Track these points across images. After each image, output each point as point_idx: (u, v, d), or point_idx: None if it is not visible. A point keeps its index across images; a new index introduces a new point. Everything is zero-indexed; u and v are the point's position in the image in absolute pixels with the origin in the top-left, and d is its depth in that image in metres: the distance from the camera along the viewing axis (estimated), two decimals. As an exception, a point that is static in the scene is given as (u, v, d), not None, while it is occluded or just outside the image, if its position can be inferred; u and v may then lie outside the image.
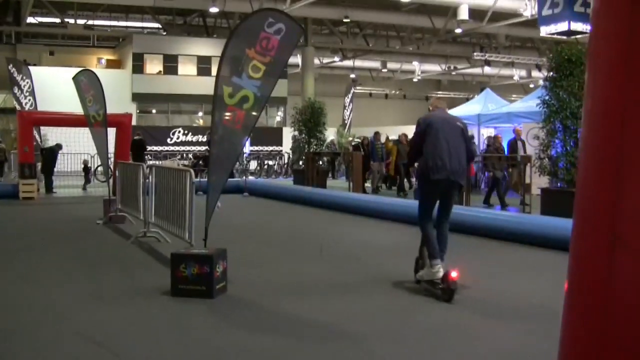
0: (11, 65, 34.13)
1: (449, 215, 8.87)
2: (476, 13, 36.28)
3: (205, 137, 36.33)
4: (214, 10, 38.51)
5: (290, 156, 33.78)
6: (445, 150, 8.47)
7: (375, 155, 24.86)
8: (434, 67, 58.42)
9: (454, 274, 8.04)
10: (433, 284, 8.45)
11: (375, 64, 56.78)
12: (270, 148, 37.75)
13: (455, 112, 29.72)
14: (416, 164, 9.06)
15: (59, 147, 25.20)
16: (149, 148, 34.73)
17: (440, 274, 8.27)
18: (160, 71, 45.88)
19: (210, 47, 45.81)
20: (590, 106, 2.15)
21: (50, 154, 24.81)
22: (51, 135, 29.62)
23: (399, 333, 6.79)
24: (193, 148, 38.66)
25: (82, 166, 28.25)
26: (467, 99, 49.05)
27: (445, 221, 8.86)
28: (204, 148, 33.51)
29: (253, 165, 36.23)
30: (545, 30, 23.30)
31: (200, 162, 29.05)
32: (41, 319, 7.32)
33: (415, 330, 6.92)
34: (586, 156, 2.16)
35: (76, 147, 26.95)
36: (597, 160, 2.09)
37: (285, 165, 35.92)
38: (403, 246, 12.57)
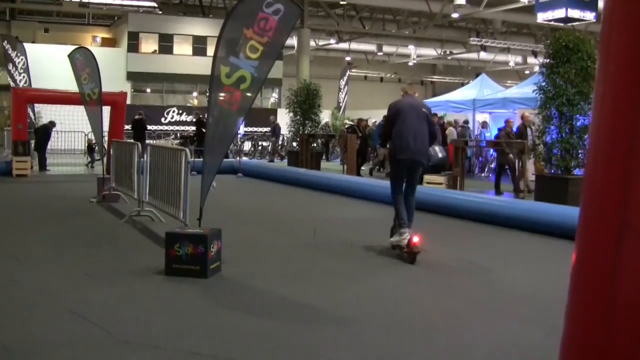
0: (5, 42, 34.02)
1: (414, 189, 10.20)
2: (473, -2, 36.26)
3: (192, 117, 36.27)
4: (210, -11, 38.41)
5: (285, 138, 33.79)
6: (411, 134, 9.79)
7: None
8: (429, 52, 58.31)
9: (415, 239, 9.31)
10: (401, 249, 9.65)
11: (371, 47, 56.69)
12: (265, 129, 37.63)
13: (450, 96, 29.84)
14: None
15: (52, 124, 25.13)
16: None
17: (406, 239, 9.44)
18: (155, 50, 45.77)
19: (206, 27, 45.69)
20: (601, 92, 2.12)
21: (44, 132, 24.75)
22: (45, 113, 29.55)
23: (391, 318, 6.78)
24: (187, 128, 38.53)
25: (86, 145, 28.26)
26: (462, 84, 49.04)
27: (411, 194, 10.12)
28: (192, 128, 33.43)
29: (247, 146, 36.19)
30: (542, 17, 23.31)
31: (188, 142, 29.05)
32: (34, 296, 7.30)
33: (406, 316, 6.90)
34: (596, 143, 2.14)
35: (71, 125, 26.91)
36: (608, 146, 2.07)
37: (280, 147, 35.86)
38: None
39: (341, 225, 13.22)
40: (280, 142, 35.86)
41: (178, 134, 36.40)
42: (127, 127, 27.99)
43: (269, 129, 34.21)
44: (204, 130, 29.58)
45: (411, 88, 11.10)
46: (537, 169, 17.95)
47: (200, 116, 30.76)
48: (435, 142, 10.45)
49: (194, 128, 32.20)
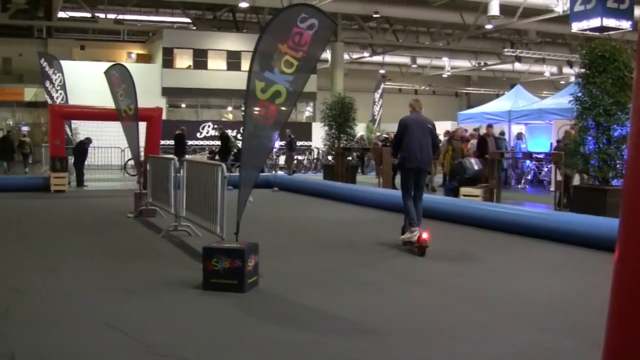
0: (43, 59, 34.34)
1: (421, 193, 11.84)
2: (507, 9, 36.06)
3: (216, 132, 36.44)
4: (243, 5, 38.54)
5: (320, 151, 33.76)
6: (417, 146, 11.41)
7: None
8: (463, 63, 58.18)
9: (424, 236, 10.89)
10: (412, 244, 11.17)
11: (404, 59, 56.66)
12: (300, 143, 37.66)
13: (485, 108, 29.68)
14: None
15: (88, 140, 25.37)
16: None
17: (416, 236, 11.01)
18: (189, 66, 46.02)
19: (239, 42, 45.89)
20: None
21: (81, 148, 24.99)
22: (82, 129, 29.82)
23: (422, 329, 6.81)
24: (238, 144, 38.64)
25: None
26: (497, 95, 48.77)
27: (419, 198, 11.68)
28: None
29: (282, 160, 36.26)
30: (577, 27, 23.13)
31: (216, 157, 29.22)
32: (71, 309, 7.38)
33: (437, 326, 6.92)
34: (635, 153, 2.13)
35: (107, 141, 27.15)
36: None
37: (315, 160, 35.90)
38: (435, 244, 12.55)
39: (378, 238, 13.19)
40: (315, 156, 35.93)
41: (216, 148, 36.54)
42: (166, 142, 28.28)
43: (285, 142, 34.13)
44: (229, 145, 30.01)
45: (417, 104, 12.27)
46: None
47: (224, 131, 30.96)
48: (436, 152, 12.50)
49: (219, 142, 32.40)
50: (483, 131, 25.18)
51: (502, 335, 6.63)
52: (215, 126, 38.41)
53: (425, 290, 8.53)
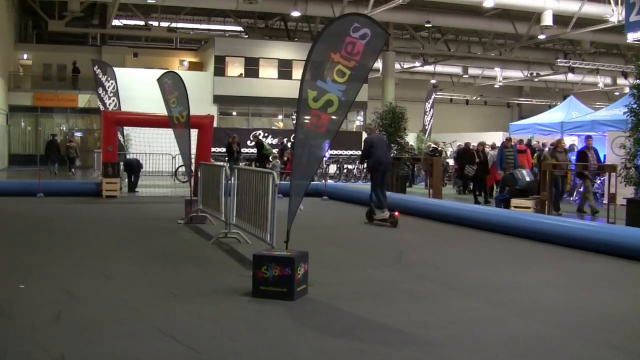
0: (96, 67, 34.80)
1: (385, 184, 17.27)
2: (560, 19, 35.78)
3: (252, 139, 36.67)
4: (295, 14, 38.73)
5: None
6: (382, 155, 16.73)
7: (504, 163, 22.39)
8: (515, 74, 57.81)
9: (396, 213, 16.36)
10: (385, 220, 16.37)
11: (456, 69, 56.49)
12: (350, 152, 37.66)
13: (537, 119, 29.42)
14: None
15: (139, 165, 25.60)
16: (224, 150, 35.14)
17: (387, 215, 16.40)
18: (241, 74, 46.25)
19: (291, 51, 46.05)
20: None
21: (136, 164, 25.33)
22: (134, 135, 30.12)
23: (475, 340, 6.75)
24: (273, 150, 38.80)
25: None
26: (550, 106, 48.42)
27: (384, 188, 16.99)
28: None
29: (332, 169, 36.26)
30: (632, 37, 22.84)
31: (256, 164, 29.38)
32: (121, 314, 7.45)
33: (491, 339, 6.86)
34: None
35: (158, 147, 27.34)
36: None
37: (365, 170, 35.82)
38: (483, 255, 12.50)
39: (425, 248, 13.15)
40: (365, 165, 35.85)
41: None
42: (216, 149, 28.46)
43: (277, 149, 34.02)
44: (265, 152, 30.16)
45: (373, 127, 19.68)
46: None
47: (259, 138, 31.12)
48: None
49: (275, 150, 32.56)
50: (534, 142, 24.98)
51: (561, 350, 6.56)
52: (267, 134, 38.58)
53: (477, 301, 8.45)
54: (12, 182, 25.20)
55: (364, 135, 35.85)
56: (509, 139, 23.64)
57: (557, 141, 21.22)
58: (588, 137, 20.39)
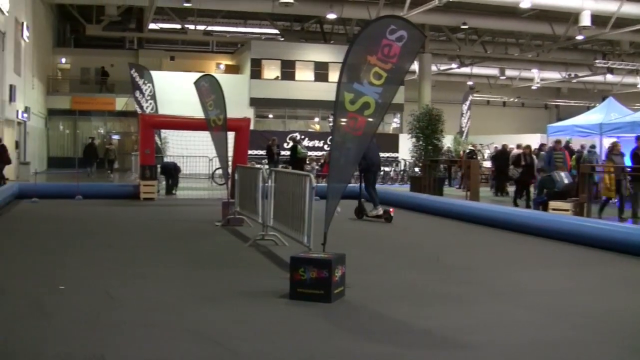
0: (133, 70, 34.99)
1: (376, 183, 18.46)
2: (599, 19, 35.46)
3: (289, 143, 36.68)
4: (331, 16, 38.75)
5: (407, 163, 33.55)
6: (375, 156, 18.08)
7: (552, 165, 21.79)
8: (553, 75, 57.38)
9: (391, 209, 17.58)
10: (379, 217, 17.47)
11: (493, 71, 56.21)
12: (387, 155, 37.59)
13: (575, 121, 29.14)
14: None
15: (176, 168, 25.75)
16: (262, 152, 35.21)
17: (382, 211, 17.57)
18: (277, 76, 46.41)
19: (327, 53, 46.13)
20: None
21: (173, 168, 25.49)
22: (171, 138, 30.31)
23: (512, 346, 6.70)
24: (309, 153, 38.83)
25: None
26: (588, 108, 48.00)
27: (375, 186, 18.18)
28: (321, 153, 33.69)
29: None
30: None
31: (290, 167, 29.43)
32: (160, 316, 7.51)
33: (526, 342, 6.82)
34: None
35: (195, 150, 27.51)
36: None
37: (402, 172, 35.79)
38: (520, 258, 12.43)
39: (463, 251, 13.09)
40: (401, 168, 35.83)
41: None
42: (253, 152, 28.54)
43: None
44: (299, 155, 30.17)
45: None
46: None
47: (297, 140, 31.16)
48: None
49: (321, 153, 32.61)
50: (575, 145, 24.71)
51: (596, 357, 6.50)
52: (303, 137, 38.64)
53: (513, 305, 8.39)
54: (52, 185, 25.42)
55: (402, 138, 35.88)
56: (558, 142, 23.40)
57: (613, 144, 20.86)
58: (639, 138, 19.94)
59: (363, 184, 18.11)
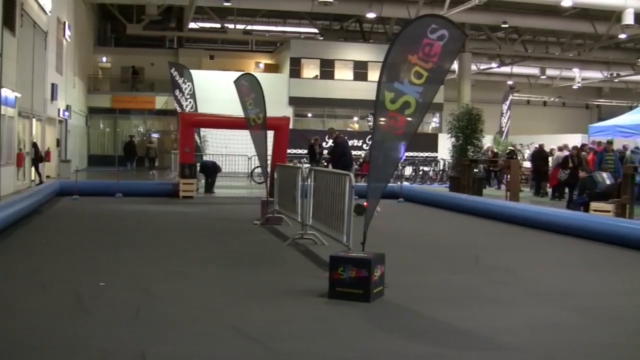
0: (173, 69, 35.22)
1: None
2: (642, 18, 35.00)
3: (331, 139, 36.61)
4: (370, 15, 38.69)
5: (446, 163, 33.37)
6: (351, 157, 20.76)
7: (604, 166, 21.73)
8: (595, 74, 56.75)
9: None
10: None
11: (533, 70, 55.75)
12: (426, 154, 37.47)
13: (617, 121, 28.76)
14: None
15: (215, 167, 25.82)
16: (301, 151, 35.27)
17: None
18: (316, 75, 46.41)
19: (366, 52, 46.05)
20: None
21: (205, 168, 25.59)
22: (211, 136, 30.43)
23: (554, 348, 6.63)
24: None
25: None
26: (631, 108, 47.39)
27: None
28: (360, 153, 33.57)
29: (408, 171, 36.12)
30: None
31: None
32: (199, 313, 7.56)
33: (569, 347, 6.74)
34: None
35: (234, 148, 27.60)
36: None
37: (441, 172, 35.62)
38: (561, 260, 12.32)
39: (502, 252, 13.00)
40: (440, 167, 35.69)
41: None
42: (292, 150, 28.56)
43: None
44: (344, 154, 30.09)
45: (335, 132, 22.78)
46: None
47: (341, 137, 31.06)
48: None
49: (360, 152, 32.60)
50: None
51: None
52: (342, 136, 38.48)
53: (554, 307, 8.31)
54: (92, 182, 25.66)
55: (441, 138, 35.75)
56: (610, 142, 23.18)
57: (607, 142, 20.72)
58: None
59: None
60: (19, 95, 23.04)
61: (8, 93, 21.35)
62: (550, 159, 27.04)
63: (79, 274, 9.68)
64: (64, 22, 33.96)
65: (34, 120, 27.35)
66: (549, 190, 26.25)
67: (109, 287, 8.77)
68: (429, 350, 6.41)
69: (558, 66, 54.66)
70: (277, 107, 35.31)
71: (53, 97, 30.47)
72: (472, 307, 8.25)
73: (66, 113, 35.16)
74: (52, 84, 30.43)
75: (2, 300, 7.92)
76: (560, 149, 26.86)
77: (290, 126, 27.68)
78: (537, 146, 28.91)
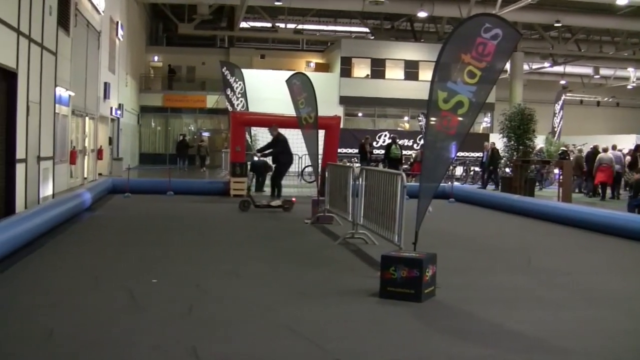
0: (225, 68, 35.42)
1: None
2: (699, 16, 34.46)
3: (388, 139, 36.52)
4: (422, 14, 38.59)
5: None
6: (290, 152, 21.08)
7: None
8: (650, 74, 56.00)
9: (293, 199, 18.17)
10: (279, 207, 18.11)
11: (587, 70, 55.19)
12: (477, 154, 37.09)
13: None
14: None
15: (265, 166, 25.87)
16: (351, 150, 35.23)
17: (281, 202, 18.28)
18: (367, 75, 46.39)
19: (417, 52, 45.93)
20: None
21: (254, 167, 25.67)
22: (261, 135, 30.53)
23: (607, 353, 6.52)
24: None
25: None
26: (687, 108, 46.69)
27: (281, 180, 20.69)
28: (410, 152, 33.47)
29: (459, 171, 35.89)
30: None
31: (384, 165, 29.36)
32: (250, 311, 7.58)
33: (624, 352, 6.63)
34: None
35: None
36: None
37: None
38: (617, 263, 12.15)
39: (555, 254, 12.85)
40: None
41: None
42: (342, 150, 28.56)
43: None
44: (391, 156, 29.98)
45: (276, 129, 21.55)
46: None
47: (395, 138, 31.02)
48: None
49: (410, 152, 32.50)
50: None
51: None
52: (392, 135, 38.33)
53: (610, 311, 8.19)
54: (143, 180, 25.88)
55: (492, 138, 35.44)
56: None
57: None
58: None
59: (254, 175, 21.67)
60: (72, 94, 23.36)
61: (62, 92, 21.64)
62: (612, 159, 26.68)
63: (131, 270, 9.80)
64: (117, 22, 34.37)
65: (87, 118, 27.68)
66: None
67: (161, 283, 8.86)
68: (482, 352, 6.35)
69: (612, 66, 54.04)
70: (327, 106, 35.27)
71: (106, 95, 30.85)
72: (525, 309, 8.16)
73: (118, 111, 35.57)
74: (105, 83, 30.80)
75: (55, 296, 8.03)
76: (605, 150, 26.53)
77: (341, 126, 27.66)
78: (592, 147, 28.59)
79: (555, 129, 41.95)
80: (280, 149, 21.15)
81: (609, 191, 26.14)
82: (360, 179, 12.65)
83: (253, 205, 17.94)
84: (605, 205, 21.94)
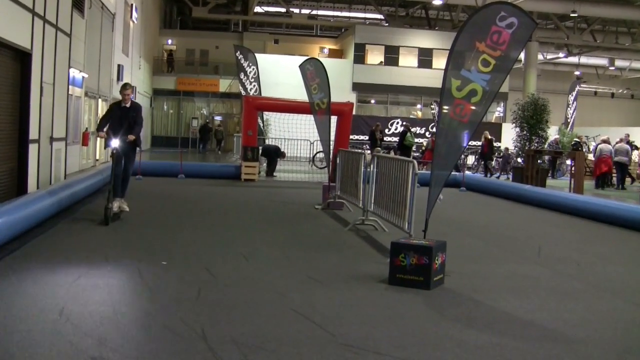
0: (238, 52, 35.43)
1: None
2: None
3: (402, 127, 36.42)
4: (437, 2, 38.49)
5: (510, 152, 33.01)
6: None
7: None
8: (666, 66, 55.71)
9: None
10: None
11: (602, 61, 54.88)
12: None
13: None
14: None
15: (277, 151, 25.89)
16: (362, 137, 35.24)
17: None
18: (381, 62, 46.30)
19: (431, 40, 45.80)
20: None
21: (275, 152, 25.71)
22: (273, 120, 30.54)
23: (618, 342, 6.54)
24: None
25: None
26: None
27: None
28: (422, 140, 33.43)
29: (470, 160, 35.84)
30: None
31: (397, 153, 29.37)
32: (259, 295, 7.61)
33: (635, 342, 6.65)
34: None
35: (296, 133, 27.66)
36: None
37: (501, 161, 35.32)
38: (627, 254, 12.12)
39: (566, 244, 12.82)
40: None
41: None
42: (354, 137, 28.55)
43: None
44: (405, 143, 29.97)
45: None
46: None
47: (408, 128, 31.00)
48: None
49: (422, 140, 32.50)
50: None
51: None
52: (405, 123, 38.30)
53: (620, 301, 8.19)
54: (156, 163, 25.91)
55: (505, 128, 35.41)
56: None
57: None
58: None
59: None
60: (86, 75, 23.39)
61: (76, 73, 21.66)
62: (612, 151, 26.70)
63: (141, 251, 9.82)
64: (131, 5, 34.36)
65: (99, 100, 27.72)
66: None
67: (171, 266, 8.89)
68: (491, 340, 6.36)
69: (628, 57, 53.73)
70: (340, 92, 35.28)
71: (119, 78, 30.85)
72: (534, 298, 8.15)
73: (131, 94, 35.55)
74: (119, 65, 30.82)
75: (68, 275, 8.05)
76: (605, 141, 26.53)
77: (353, 112, 27.67)
78: (601, 140, 28.53)
79: (569, 120, 41.81)
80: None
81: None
82: (372, 166, 12.65)
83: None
84: (616, 197, 21.88)
